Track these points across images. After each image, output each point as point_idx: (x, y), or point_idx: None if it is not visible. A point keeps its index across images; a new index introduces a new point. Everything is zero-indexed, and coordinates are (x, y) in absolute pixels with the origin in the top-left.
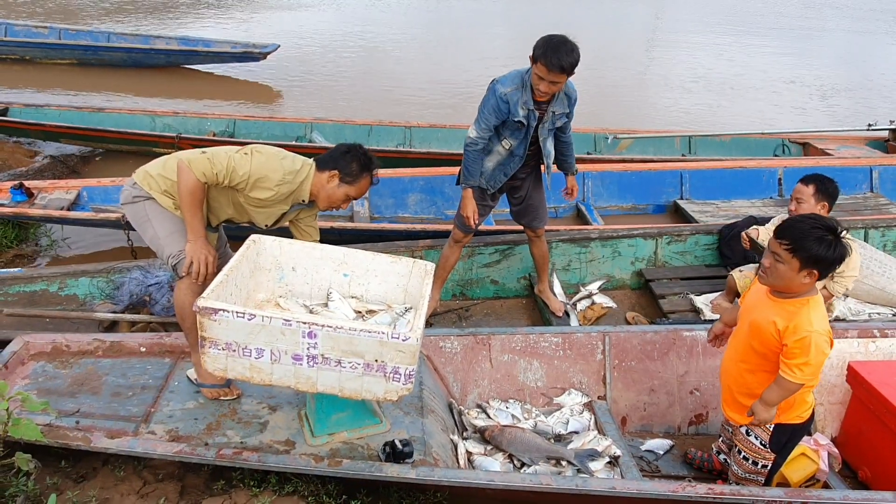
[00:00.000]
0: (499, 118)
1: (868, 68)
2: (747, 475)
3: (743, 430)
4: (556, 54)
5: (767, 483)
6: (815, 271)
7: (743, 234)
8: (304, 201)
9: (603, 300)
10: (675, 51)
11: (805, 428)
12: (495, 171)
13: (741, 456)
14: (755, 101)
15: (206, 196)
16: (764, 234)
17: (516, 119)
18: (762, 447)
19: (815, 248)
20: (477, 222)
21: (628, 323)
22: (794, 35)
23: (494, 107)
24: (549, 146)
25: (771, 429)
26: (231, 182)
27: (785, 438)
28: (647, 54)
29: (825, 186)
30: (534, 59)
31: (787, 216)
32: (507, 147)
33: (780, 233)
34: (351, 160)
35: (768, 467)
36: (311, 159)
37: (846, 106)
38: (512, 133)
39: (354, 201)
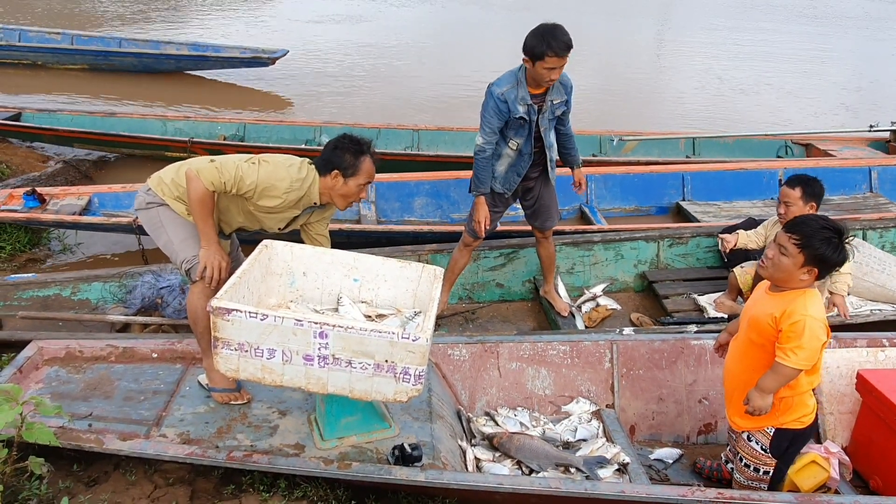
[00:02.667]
0: (500, 119)
1: (875, 70)
2: (750, 482)
3: (745, 435)
4: (559, 38)
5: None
6: (816, 269)
7: (720, 236)
8: (315, 204)
9: (607, 302)
10: (681, 56)
11: (807, 434)
12: (508, 173)
13: (742, 463)
14: (761, 104)
15: (217, 206)
16: (744, 239)
17: (517, 116)
18: (762, 452)
19: (822, 247)
20: (489, 228)
21: (633, 324)
22: (801, 38)
23: (494, 108)
24: (551, 137)
25: (771, 433)
26: (239, 191)
27: (786, 444)
28: (655, 59)
29: (811, 188)
30: (539, 55)
31: (775, 218)
32: (515, 147)
33: (790, 227)
34: (343, 154)
35: (770, 474)
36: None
37: (851, 107)
38: (516, 132)
39: (360, 204)
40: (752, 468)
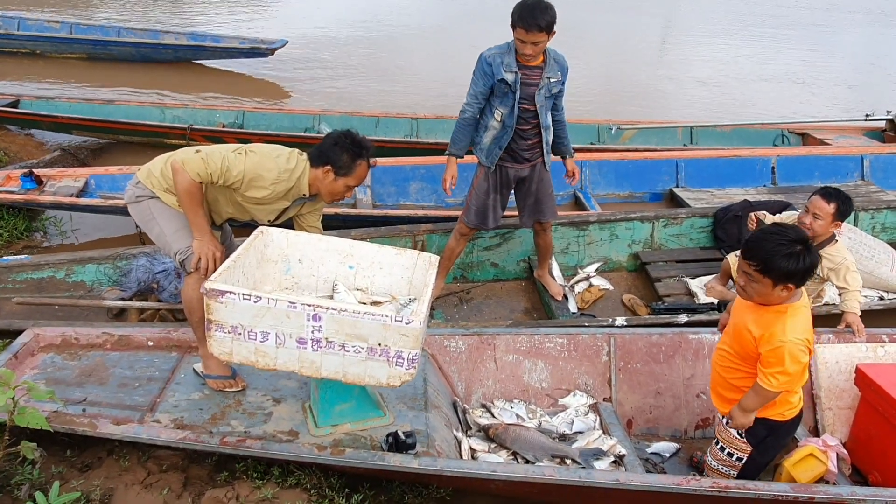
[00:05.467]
0: (485, 83)
1: (874, 62)
2: (720, 466)
3: (724, 420)
4: (532, 15)
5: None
6: (791, 285)
7: (751, 214)
8: (305, 195)
9: (600, 282)
10: (685, 49)
11: (787, 427)
12: (491, 145)
13: (718, 446)
14: (762, 96)
15: (206, 197)
16: (769, 221)
17: (500, 78)
18: (738, 437)
19: (785, 264)
20: (494, 218)
21: (625, 306)
22: (804, 32)
23: (480, 71)
24: (548, 119)
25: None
26: (226, 181)
27: (764, 433)
28: (659, 51)
29: (846, 207)
30: (512, 24)
31: (795, 216)
32: (499, 118)
33: (747, 253)
34: (341, 152)
35: (743, 461)
36: (306, 154)
37: (850, 98)
38: (501, 101)
39: (356, 188)
40: (725, 451)
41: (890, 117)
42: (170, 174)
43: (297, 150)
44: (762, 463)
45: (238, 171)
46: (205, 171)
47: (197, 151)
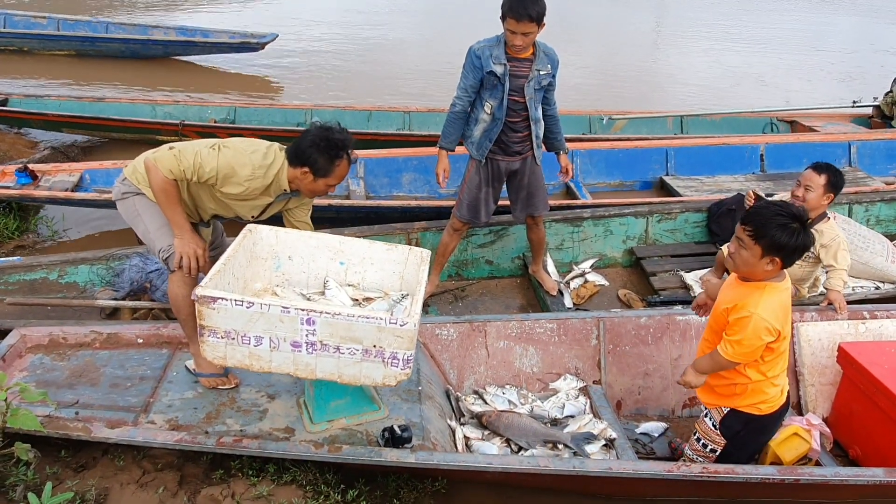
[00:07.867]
0: (475, 76)
1: (863, 50)
2: (696, 457)
3: (703, 411)
4: (523, 5)
5: None
6: (778, 259)
7: (749, 191)
8: (286, 191)
9: (595, 278)
10: (678, 40)
11: (764, 423)
12: (482, 138)
13: (695, 437)
14: (756, 86)
15: (189, 193)
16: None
17: (488, 70)
18: (712, 428)
19: (777, 235)
20: (481, 211)
21: (620, 300)
22: (800, 19)
23: (469, 64)
24: (538, 112)
25: (725, 412)
26: (200, 178)
27: (738, 427)
28: (653, 43)
29: (836, 179)
30: (502, 15)
31: (787, 195)
32: (489, 111)
33: (745, 219)
34: (317, 155)
35: (717, 453)
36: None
37: (839, 86)
38: (491, 94)
39: (350, 180)
40: (700, 442)
41: (876, 104)
42: None
43: (276, 144)
44: (740, 458)
45: (211, 168)
46: (177, 168)
47: (171, 148)
